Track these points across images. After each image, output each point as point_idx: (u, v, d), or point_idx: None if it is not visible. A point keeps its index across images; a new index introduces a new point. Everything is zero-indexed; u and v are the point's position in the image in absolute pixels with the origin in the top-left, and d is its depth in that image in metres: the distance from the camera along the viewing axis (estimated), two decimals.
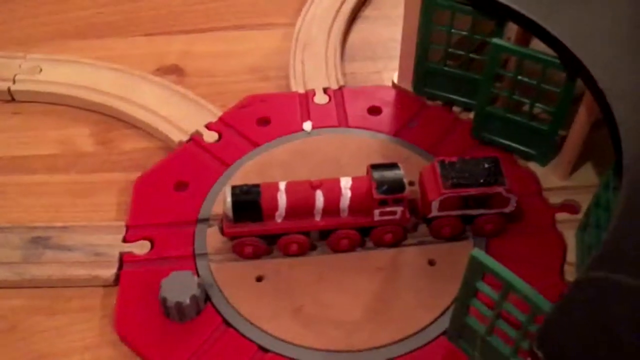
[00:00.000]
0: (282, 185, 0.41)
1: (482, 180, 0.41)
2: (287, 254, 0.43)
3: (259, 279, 0.42)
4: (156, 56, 0.59)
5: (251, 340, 0.39)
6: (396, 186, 0.41)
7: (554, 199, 0.46)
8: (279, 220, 0.41)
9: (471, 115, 0.51)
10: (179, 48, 0.60)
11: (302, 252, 0.43)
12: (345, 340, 0.39)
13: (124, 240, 0.44)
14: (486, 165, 0.42)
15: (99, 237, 0.44)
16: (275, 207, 0.41)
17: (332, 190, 0.41)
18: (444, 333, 0.39)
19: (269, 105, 0.53)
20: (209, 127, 0.51)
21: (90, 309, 0.42)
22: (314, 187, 0.41)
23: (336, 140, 0.51)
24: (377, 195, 0.40)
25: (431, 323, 0.40)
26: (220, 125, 0.51)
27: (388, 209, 0.41)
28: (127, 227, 0.45)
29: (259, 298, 0.41)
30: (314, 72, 0.56)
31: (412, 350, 0.39)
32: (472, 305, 0.35)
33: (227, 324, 0.40)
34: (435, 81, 0.52)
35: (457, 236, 0.43)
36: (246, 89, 0.55)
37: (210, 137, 0.51)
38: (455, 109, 0.53)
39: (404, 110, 0.53)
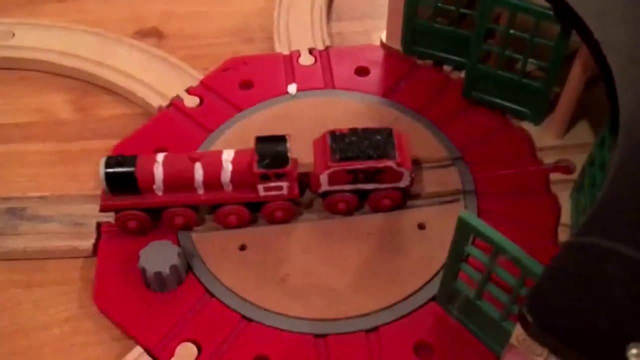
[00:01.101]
0: (159, 157, 0.39)
1: (370, 153, 0.39)
2: (173, 226, 0.41)
3: (242, 248, 0.41)
4: (134, 19, 0.57)
5: (235, 310, 0.38)
6: (278, 160, 0.39)
7: (548, 158, 0.45)
8: (159, 193, 0.39)
9: (462, 74, 0.49)
10: (159, 10, 0.57)
11: (188, 226, 0.41)
12: (332, 309, 0.38)
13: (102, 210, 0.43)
14: (377, 138, 0.39)
15: (76, 207, 0.43)
16: (151, 180, 0.39)
17: (212, 164, 0.39)
18: (433, 298, 0.38)
19: (251, 67, 0.51)
20: (189, 91, 0.49)
21: (69, 280, 0.41)
22: (193, 159, 0.39)
23: (322, 103, 0.49)
24: (257, 170, 0.38)
25: (420, 289, 0.39)
26: (202, 90, 0.50)
27: (272, 184, 0.39)
28: None
29: (242, 268, 0.40)
30: (299, 33, 0.54)
31: (401, 317, 0.38)
32: (461, 269, 0.34)
33: (210, 294, 0.39)
34: (425, 39, 0.50)
35: (353, 211, 0.42)
36: (229, 51, 0.53)
37: (191, 101, 0.49)
38: (446, 68, 0.51)
39: (392, 70, 0.51)
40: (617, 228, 0.28)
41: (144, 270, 0.38)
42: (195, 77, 0.51)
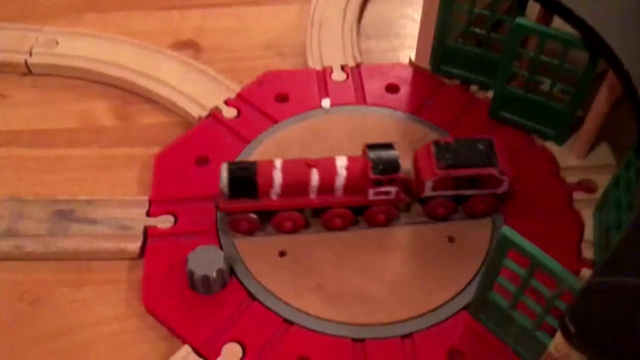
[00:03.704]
0: (278, 163, 0.42)
1: (475, 162, 0.42)
2: (281, 231, 0.43)
3: (282, 254, 0.43)
4: (172, 30, 0.59)
5: (276, 313, 0.40)
6: (391, 166, 0.41)
7: (571, 178, 0.47)
8: (274, 197, 0.42)
9: (488, 94, 0.52)
10: (194, 23, 0.60)
11: (295, 229, 0.43)
12: (367, 315, 0.40)
13: (148, 215, 0.45)
14: (480, 147, 0.42)
15: (123, 211, 0.45)
16: (270, 185, 0.41)
17: (328, 169, 0.42)
18: (463, 308, 0.40)
19: (286, 81, 0.53)
20: (227, 103, 0.52)
21: (116, 281, 0.43)
22: (309, 165, 0.41)
23: (354, 117, 0.51)
24: (372, 175, 0.41)
25: (451, 299, 0.41)
26: (239, 102, 0.52)
27: (382, 189, 0.41)
28: (151, 202, 0.45)
29: (282, 273, 0.42)
30: (330, 49, 0.56)
31: (433, 325, 0.40)
32: (496, 281, 0.36)
33: (252, 297, 0.41)
34: (452, 60, 0.52)
35: (450, 215, 0.44)
36: (262, 65, 0.56)
37: (229, 113, 0.51)
38: (472, 87, 0.53)
39: (421, 88, 0.53)
40: None
41: (191, 273, 0.40)
42: (231, 88, 0.53)
